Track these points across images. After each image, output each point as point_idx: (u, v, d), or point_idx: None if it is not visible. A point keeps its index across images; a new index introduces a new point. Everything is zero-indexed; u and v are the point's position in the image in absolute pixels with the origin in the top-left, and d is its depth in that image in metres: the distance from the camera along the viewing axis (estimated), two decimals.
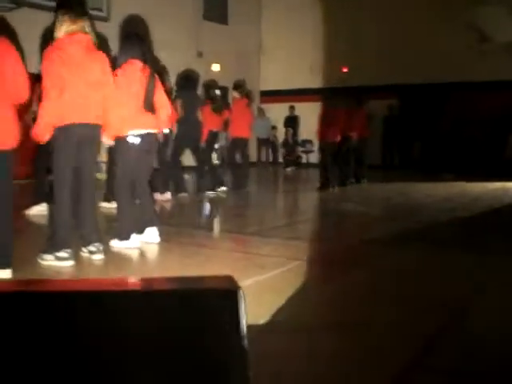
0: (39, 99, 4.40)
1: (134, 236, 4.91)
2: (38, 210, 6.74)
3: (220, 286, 1.24)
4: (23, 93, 3.82)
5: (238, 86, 10.23)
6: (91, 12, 10.94)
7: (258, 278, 3.90)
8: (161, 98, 5.12)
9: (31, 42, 10.02)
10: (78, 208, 4.49)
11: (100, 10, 11.60)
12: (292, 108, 17.67)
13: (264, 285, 3.78)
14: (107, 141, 4.76)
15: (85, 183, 4.47)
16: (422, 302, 3.44)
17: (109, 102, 4.47)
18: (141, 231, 5.08)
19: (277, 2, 18.25)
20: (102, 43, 4.67)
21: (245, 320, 1.16)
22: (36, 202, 6.82)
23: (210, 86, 9.95)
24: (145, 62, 4.97)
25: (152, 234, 5.11)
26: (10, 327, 1.16)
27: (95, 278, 2.85)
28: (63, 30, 4.24)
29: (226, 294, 1.18)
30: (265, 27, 18.94)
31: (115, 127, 4.69)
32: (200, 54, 16.13)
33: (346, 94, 11.62)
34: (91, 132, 4.34)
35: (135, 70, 4.91)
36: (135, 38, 5.15)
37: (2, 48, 3.72)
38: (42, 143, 4.34)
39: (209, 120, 9.15)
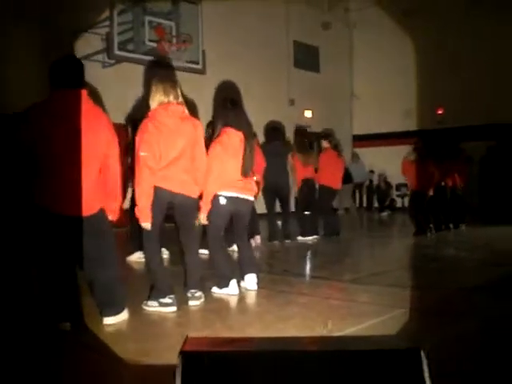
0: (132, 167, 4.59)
1: (233, 283, 5.00)
2: (138, 257, 6.98)
3: (399, 344, 1.23)
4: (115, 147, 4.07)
5: (327, 135, 10.28)
6: (188, 65, 11.46)
7: (357, 327, 3.84)
8: (259, 159, 5.30)
9: (128, 95, 10.65)
10: (183, 256, 4.68)
11: (196, 63, 12.05)
12: (355, 156, 17.48)
13: (365, 334, 3.70)
14: (203, 219, 4.95)
15: (186, 233, 4.66)
16: None
17: (203, 170, 4.66)
18: (241, 277, 5.21)
19: (368, 47, 18.34)
20: (191, 109, 4.80)
21: (429, 379, 1.13)
22: (135, 249, 7.08)
23: (301, 133, 10.05)
24: (240, 129, 5.06)
25: (250, 281, 5.20)
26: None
27: (278, 337, 2.85)
28: (156, 100, 4.45)
29: (408, 354, 1.17)
30: (356, 72, 19.03)
31: (209, 200, 4.89)
32: (292, 102, 16.39)
33: (441, 139, 11.43)
34: (184, 201, 4.50)
35: (233, 139, 5.00)
36: (230, 105, 5.20)
37: (96, 118, 3.93)
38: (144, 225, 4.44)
39: (300, 169, 9.26)
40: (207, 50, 12.25)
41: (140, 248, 6.95)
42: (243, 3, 14.25)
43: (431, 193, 10.11)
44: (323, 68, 17.94)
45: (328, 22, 17.59)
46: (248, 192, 5.15)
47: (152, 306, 4.40)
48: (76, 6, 10.35)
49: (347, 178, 16.78)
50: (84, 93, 3.89)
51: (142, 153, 4.28)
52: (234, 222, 5.24)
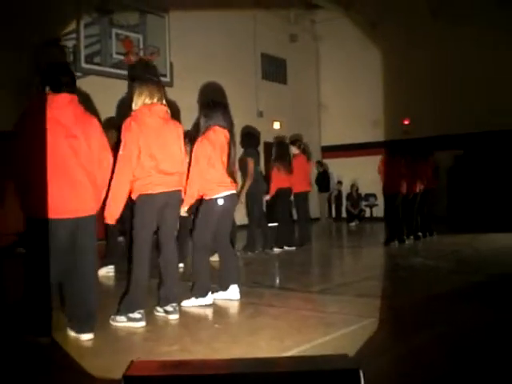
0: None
1: (210, 294, 5.04)
2: (106, 272, 6.92)
3: (339, 365, 1.24)
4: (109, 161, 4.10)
5: (295, 140, 10.37)
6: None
7: (327, 337, 3.86)
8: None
9: (104, 106, 10.55)
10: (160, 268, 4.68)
11: (164, 75, 12.04)
12: (319, 163, 17.55)
13: (334, 344, 3.72)
14: (183, 212, 5.00)
15: (166, 245, 4.64)
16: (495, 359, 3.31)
17: (184, 170, 4.71)
18: (225, 288, 5.28)
19: (335, 58, 18.51)
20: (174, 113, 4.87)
21: None
22: (105, 264, 7.00)
23: (282, 144, 10.11)
24: (227, 128, 5.21)
25: (234, 292, 5.28)
26: None
27: (225, 359, 2.86)
28: (141, 101, 4.46)
29: (348, 374, 1.18)
30: (324, 84, 19.16)
31: (194, 194, 4.95)
32: (260, 114, 16.45)
33: (410, 146, 11.56)
34: (171, 198, 4.51)
35: (219, 137, 5.11)
36: (219, 106, 5.35)
37: (89, 122, 3.94)
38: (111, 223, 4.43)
39: (278, 178, 9.33)
40: (175, 62, 12.23)
41: (111, 263, 6.93)
42: (211, 15, 14.26)
43: (404, 191, 10.15)
44: (291, 80, 18.05)
45: (295, 34, 17.72)
46: (234, 187, 5.27)
47: (120, 322, 4.35)
48: (42, 19, 10.24)
49: (325, 186, 16.97)
50: (76, 98, 3.91)
51: (121, 151, 4.30)
52: (220, 223, 5.22)
